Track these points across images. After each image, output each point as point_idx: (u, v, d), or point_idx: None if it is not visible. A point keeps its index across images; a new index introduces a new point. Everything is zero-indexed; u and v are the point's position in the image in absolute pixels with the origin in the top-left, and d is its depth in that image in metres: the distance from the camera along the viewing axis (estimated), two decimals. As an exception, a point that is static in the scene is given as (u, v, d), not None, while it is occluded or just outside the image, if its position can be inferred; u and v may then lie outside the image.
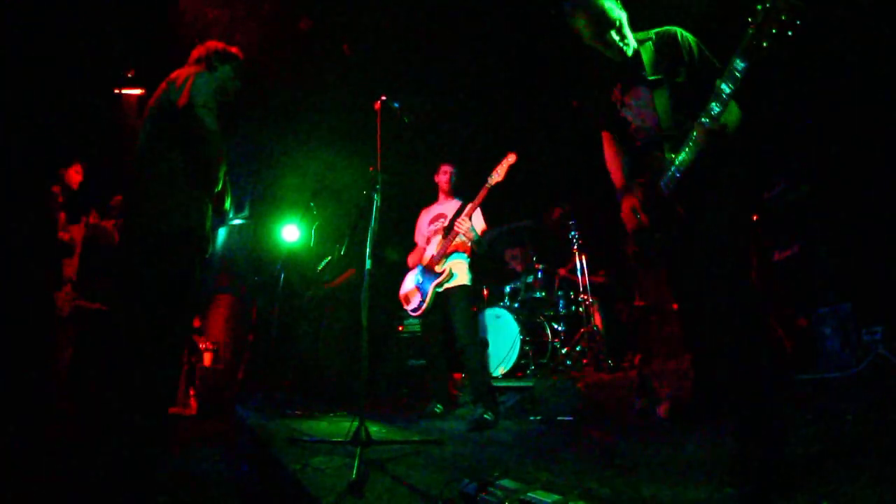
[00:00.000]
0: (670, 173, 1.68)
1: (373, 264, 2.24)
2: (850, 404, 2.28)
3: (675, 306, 2.13)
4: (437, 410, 3.44)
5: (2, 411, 3.16)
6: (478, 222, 3.51)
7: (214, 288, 6.37)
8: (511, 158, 3.35)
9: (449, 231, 3.44)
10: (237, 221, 6.79)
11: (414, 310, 3.54)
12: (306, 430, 2.75)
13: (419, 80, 5.21)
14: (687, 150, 1.61)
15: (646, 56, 1.79)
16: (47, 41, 4.06)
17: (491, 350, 4.40)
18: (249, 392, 4.93)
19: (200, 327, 5.86)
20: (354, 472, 1.60)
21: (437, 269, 3.44)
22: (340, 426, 2.86)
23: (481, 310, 4.65)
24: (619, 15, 1.78)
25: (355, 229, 3.11)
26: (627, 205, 1.84)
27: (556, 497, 1.30)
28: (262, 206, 6.78)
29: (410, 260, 3.77)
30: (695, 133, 1.57)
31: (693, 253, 1.72)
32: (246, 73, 2.49)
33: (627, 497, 1.39)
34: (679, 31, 1.81)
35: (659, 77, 1.75)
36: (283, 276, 4.73)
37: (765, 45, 1.34)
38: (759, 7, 1.34)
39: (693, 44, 1.79)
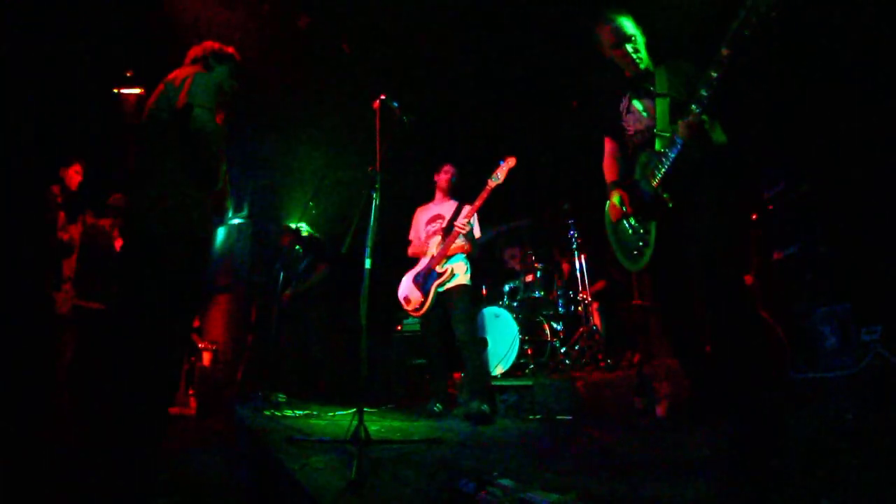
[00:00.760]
0: (659, 163, 1.83)
1: (372, 263, 2.24)
2: (850, 404, 2.29)
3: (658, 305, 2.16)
4: (437, 410, 3.46)
5: (1, 411, 3.16)
6: (474, 228, 3.58)
7: (213, 288, 6.37)
8: (511, 162, 3.40)
9: (449, 232, 3.48)
10: (236, 221, 6.79)
11: (416, 310, 3.59)
12: (306, 429, 2.75)
13: (419, 80, 5.21)
14: (672, 145, 1.78)
15: (658, 78, 1.98)
16: (46, 41, 4.06)
17: (490, 349, 4.40)
18: (248, 392, 4.93)
19: (199, 327, 5.86)
20: (354, 471, 1.60)
21: (439, 269, 3.48)
22: (340, 425, 2.86)
23: (480, 309, 4.66)
24: (634, 32, 2.01)
25: (355, 229, 3.12)
26: (615, 196, 2.05)
27: (554, 496, 1.30)
28: (262, 205, 6.78)
29: (410, 251, 3.82)
30: (678, 129, 1.75)
31: (679, 250, 1.78)
32: (243, 72, 2.49)
33: (626, 496, 1.39)
34: (690, 64, 1.98)
35: (664, 92, 1.93)
36: (282, 275, 4.72)
37: (746, 33, 1.52)
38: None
39: (711, 74, 1.87)
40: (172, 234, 2.05)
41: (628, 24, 2.00)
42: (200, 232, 2.15)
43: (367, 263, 2.22)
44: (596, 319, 4.61)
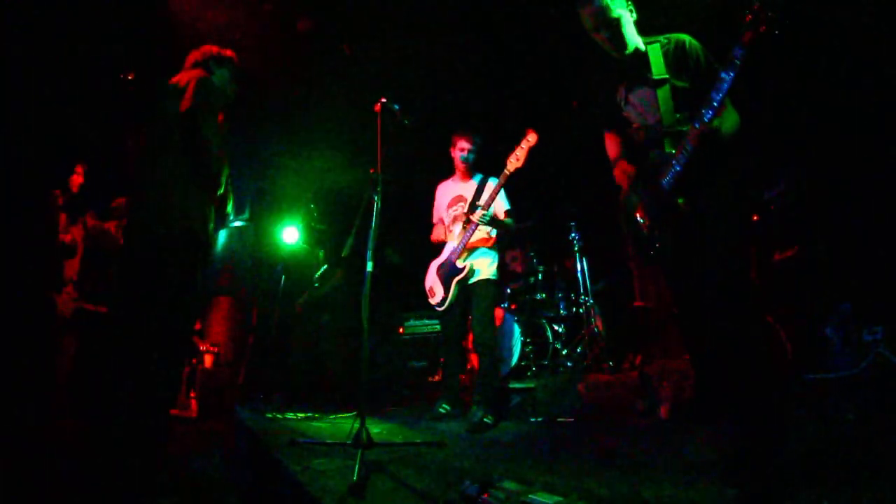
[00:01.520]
0: (671, 168, 1.74)
1: (374, 266, 2.24)
2: (851, 404, 2.28)
3: (675, 309, 2.13)
4: (443, 411, 3.35)
5: (3, 413, 3.16)
6: (500, 205, 3.29)
7: (215, 290, 6.38)
8: (531, 139, 2.98)
9: (468, 221, 3.22)
10: (238, 223, 6.79)
11: (438, 304, 3.35)
12: (307, 431, 2.75)
13: (419, 81, 5.22)
14: (683, 151, 1.70)
15: (652, 57, 1.85)
16: (47, 42, 4.07)
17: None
18: (250, 394, 4.93)
19: (201, 329, 5.86)
20: (355, 473, 1.60)
21: (459, 263, 3.22)
22: (341, 428, 2.86)
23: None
24: (620, 13, 1.86)
25: (356, 231, 3.13)
26: (620, 169, 1.99)
27: (557, 498, 1.30)
28: (263, 207, 6.79)
29: (433, 237, 3.61)
30: (688, 135, 1.67)
31: (693, 250, 1.75)
32: (243, 75, 2.50)
33: (628, 498, 1.39)
34: (688, 38, 1.87)
35: (662, 77, 1.82)
36: (283, 277, 4.73)
37: (762, 30, 1.48)
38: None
39: (700, 51, 1.84)
40: (174, 236, 2.06)
41: (613, 4, 1.85)
42: (202, 234, 2.16)
43: (369, 266, 2.22)
44: (597, 321, 4.61)
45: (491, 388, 3.16)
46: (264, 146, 6.25)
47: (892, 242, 3.25)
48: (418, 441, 2.46)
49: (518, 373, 4.31)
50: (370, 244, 2.25)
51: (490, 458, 2.09)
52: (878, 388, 2.69)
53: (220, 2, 4.36)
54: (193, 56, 2.39)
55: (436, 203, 3.64)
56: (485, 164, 3.49)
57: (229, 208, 2.37)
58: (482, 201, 3.15)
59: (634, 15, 1.91)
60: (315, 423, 3.14)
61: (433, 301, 3.39)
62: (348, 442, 1.94)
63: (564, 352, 4.45)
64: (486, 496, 1.38)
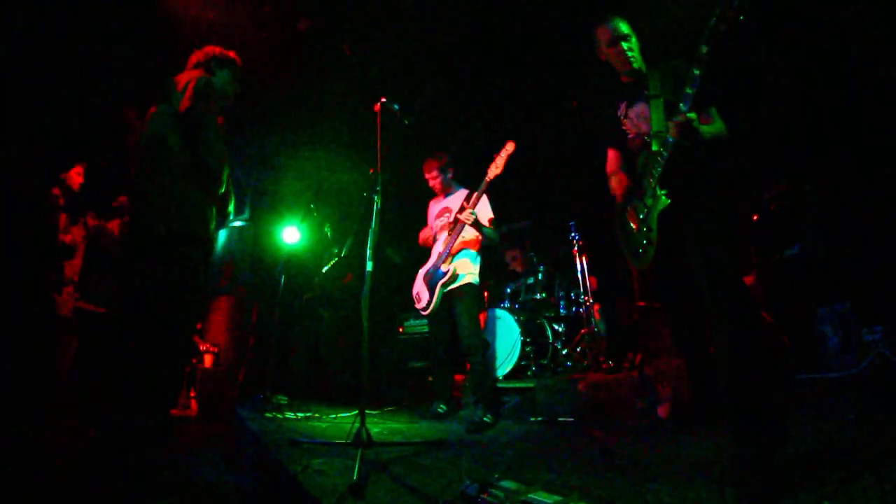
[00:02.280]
0: (656, 164, 1.88)
1: (374, 266, 2.24)
2: (851, 404, 2.28)
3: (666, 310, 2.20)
4: (440, 411, 3.44)
5: (3, 413, 3.16)
6: (484, 212, 3.40)
7: (215, 290, 6.37)
8: (509, 147, 3.22)
9: (454, 226, 3.35)
10: (238, 223, 6.79)
11: (423, 308, 3.49)
12: (307, 431, 2.75)
13: (419, 81, 5.22)
14: (665, 144, 1.84)
15: (652, 80, 2.04)
16: (47, 42, 4.07)
17: (492, 351, 4.40)
18: (250, 394, 4.92)
19: (201, 329, 5.86)
20: (355, 473, 1.60)
21: (444, 267, 3.36)
22: (341, 428, 2.87)
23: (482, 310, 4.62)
24: (629, 33, 2.11)
25: (357, 231, 3.12)
26: (616, 179, 2.17)
27: (556, 498, 1.30)
28: (263, 207, 6.78)
29: (420, 237, 3.75)
30: (668, 130, 1.81)
31: (681, 250, 1.79)
32: (244, 76, 2.50)
33: (628, 498, 1.40)
34: (682, 62, 2.01)
35: (657, 94, 2.00)
36: (283, 277, 4.72)
37: (722, 29, 1.61)
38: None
39: (694, 72, 1.89)
40: (174, 236, 2.06)
41: (624, 26, 2.12)
42: (202, 233, 2.16)
43: (369, 266, 2.22)
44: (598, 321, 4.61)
45: (487, 388, 3.22)
46: (264, 146, 6.25)
47: (892, 242, 3.25)
48: (418, 441, 2.47)
49: (518, 373, 4.31)
50: (370, 244, 2.25)
51: (490, 457, 2.09)
52: (877, 388, 2.69)
53: (221, 2, 4.36)
54: (196, 56, 2.39)
55: (428, 216, 3.82)
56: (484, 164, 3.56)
57: (230, 208, 2.37)
58: (469, 203, 3.30)
59: (638, 42, 2.14)
60: (315, 423, 3.14)
61: (419, 306, 3.54)
62: (348, 442, 1.94)
63: (564, 351, 4.45)
64: (485, 495, 1.38)
